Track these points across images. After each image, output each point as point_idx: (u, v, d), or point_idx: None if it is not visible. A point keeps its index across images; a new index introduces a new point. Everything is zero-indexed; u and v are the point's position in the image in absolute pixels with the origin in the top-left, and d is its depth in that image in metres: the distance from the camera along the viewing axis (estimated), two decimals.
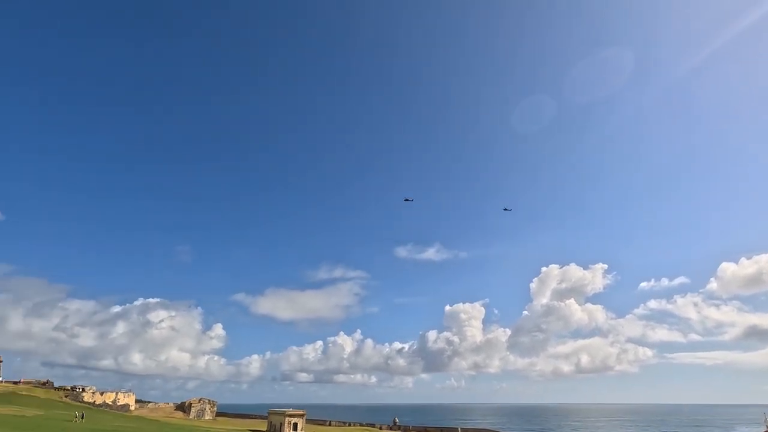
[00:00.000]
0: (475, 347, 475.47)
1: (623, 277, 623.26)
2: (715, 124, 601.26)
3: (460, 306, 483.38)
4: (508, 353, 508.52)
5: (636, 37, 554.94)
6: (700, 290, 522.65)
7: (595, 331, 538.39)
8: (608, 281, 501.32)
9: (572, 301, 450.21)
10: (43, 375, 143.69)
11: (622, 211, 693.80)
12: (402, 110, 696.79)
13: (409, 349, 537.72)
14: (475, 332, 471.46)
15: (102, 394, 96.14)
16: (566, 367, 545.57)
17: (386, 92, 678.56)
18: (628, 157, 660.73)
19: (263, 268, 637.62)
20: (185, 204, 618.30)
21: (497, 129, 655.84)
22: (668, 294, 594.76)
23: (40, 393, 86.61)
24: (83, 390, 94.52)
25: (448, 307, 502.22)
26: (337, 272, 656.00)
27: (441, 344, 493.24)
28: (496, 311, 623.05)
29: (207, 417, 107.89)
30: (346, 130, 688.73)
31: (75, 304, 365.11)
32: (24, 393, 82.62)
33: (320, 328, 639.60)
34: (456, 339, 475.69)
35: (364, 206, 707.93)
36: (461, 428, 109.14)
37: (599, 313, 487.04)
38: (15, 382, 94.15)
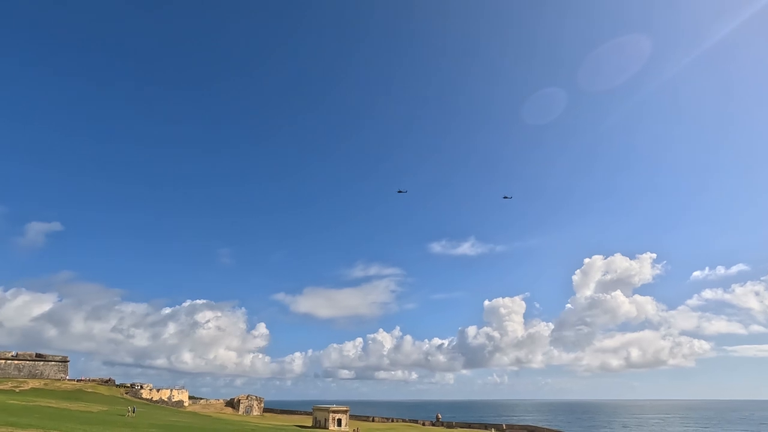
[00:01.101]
0: (517, 342, 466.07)
1: (674, 267, 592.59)
2: (760, 96, 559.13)
3: (500, 300, 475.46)
4: (551, 348, 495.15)
5: (653, 20, 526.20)
6: (762, 278, 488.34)
7: (645, 324, 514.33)
8: (657, 271, 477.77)
9: (618, 292, 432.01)
10: (105, 373, 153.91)
11: (669, 197, 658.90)
12: (429, 106, 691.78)
13: (448, 345, 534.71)
14: (516, 327, 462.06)
15: (158, 390, 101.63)
16: (615, 362, 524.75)
17: (409, 89, 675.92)
18: (669, 139, 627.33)
19: (300, 267, 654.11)
20: (224, 208, 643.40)
21: (535, 120, 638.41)
22: (725, 283, 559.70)
23: (104, 390, 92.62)
24: (141, 387, 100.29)
25: (487, 302, 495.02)
26: (373, 270, 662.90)
27: (481, 339, 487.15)
28: (537, 305, 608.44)
29: (255, 413, 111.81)
30: (375, 131, 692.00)
31: (129, 307, 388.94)
32: (89, 390, 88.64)
33: (359, 326, 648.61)
34: (496, 334, 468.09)
35: (396, 204, 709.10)
36: (506, 425, 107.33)
37: (649, 305, 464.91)
38: (79, 380, 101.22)
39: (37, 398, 66.25)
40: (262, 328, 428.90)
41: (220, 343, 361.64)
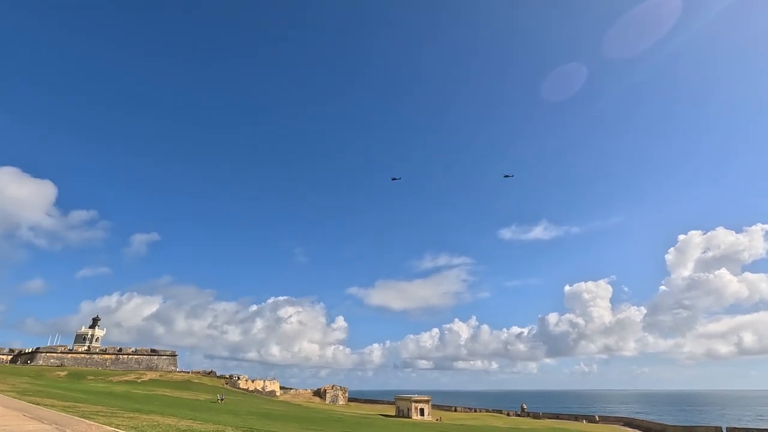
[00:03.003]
0: (604, 329, 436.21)
1: None
2: None
3: (582, 285, 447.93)
4: (645, 334, 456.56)
5: None
6: None
7: (760, 305, 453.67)
8: None
9: (724, 271, 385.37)
10: (206, 365, 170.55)
11: None
12: (490, 89, 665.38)
13: (528, 333, 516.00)
14: (602, 312, 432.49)
15: (253, 381, 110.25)
16: (724, 348, 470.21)
17: (464, 73, 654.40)
18: (760, 84, 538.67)
19: (370, 261, 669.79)
20: (295, 208, 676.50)
21: (601, 88, 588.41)
22: None
23: (207, 381, 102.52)
24: (239, 378, 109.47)
25: (567, 287, 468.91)
26: (442, 260, 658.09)
27: (564, 327, 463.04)
28: (625, 288, 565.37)
29: (340, 402, 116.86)
30: (433, 120, 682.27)
31: (221, 306, 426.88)
32: (196, 381, 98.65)
33: (433, 316, 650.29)
34: (581, 321, 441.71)
35: (460, 191, 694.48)
36: (599, 416, 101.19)
37: (764, 284, 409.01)
38: (187, 372, 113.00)
39: (155, 388, 75.18)
40: (340, 321, 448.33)
41: (303, 337, 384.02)
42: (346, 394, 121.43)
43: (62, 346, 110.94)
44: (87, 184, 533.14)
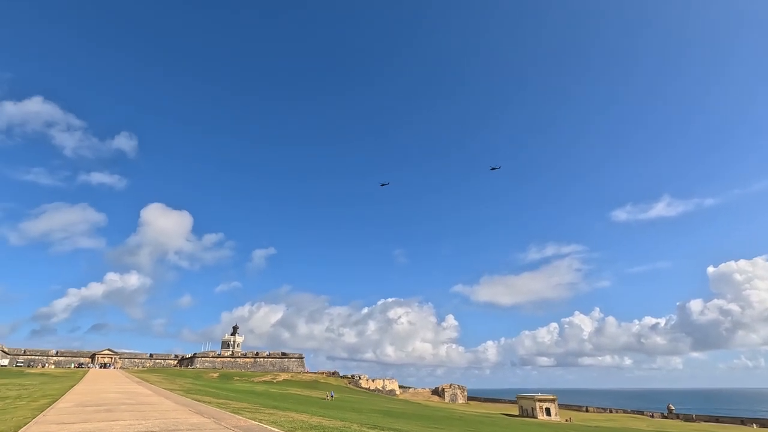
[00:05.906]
0: None
1: None
2: None
3: (732, 265, 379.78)
4: None
5: None
6: None
7: None
8: None
9: None
10: (329, 366, 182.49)
11: None
12: (582, 56, 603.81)
13: (666, 324, 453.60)
14: (764, 296, 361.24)
15: (373, 381, 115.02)
16: None
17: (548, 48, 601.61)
18: None
19: (471, 258, 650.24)
20: (392, 210, 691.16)
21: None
22: None
23: (332, 380, 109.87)
24: (359, 378, 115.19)
25: (711, 269, 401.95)
26: (549, 250, 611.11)
27: (712, 315, 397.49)
28: None
29: (459, 401, 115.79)
30: (510, 96, 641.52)
31: (336, 310, 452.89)
32: (322, 381, 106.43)
33: (549, 310, 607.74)
34: (734, 307, 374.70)
35: (563, 174, 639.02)
36: None
37: None
38: (313, 372, 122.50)
39: (288, 387, 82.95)
40: (450, 320, 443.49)
41: (415, 336, 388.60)
42: (465, 393, 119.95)
43: (212, 351, 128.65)
44: (214, 210, 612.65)
